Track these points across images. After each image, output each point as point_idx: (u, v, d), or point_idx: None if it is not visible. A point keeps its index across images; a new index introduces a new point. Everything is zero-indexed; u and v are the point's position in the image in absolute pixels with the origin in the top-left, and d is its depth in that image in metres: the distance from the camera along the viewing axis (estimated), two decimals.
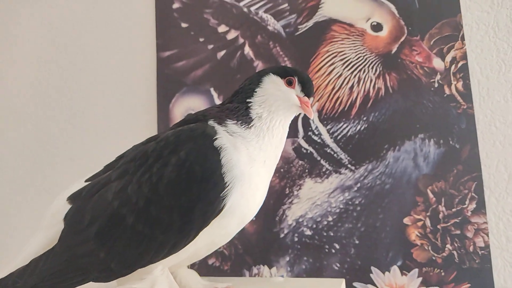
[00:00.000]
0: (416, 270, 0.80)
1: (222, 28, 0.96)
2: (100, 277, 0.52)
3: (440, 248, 0.80)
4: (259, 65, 0.93)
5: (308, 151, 0.88)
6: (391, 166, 0.84)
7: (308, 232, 0.86)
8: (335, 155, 0.87)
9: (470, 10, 0.85)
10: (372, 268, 0.82)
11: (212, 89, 0.95)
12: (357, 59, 0.89)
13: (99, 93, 1.05)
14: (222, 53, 0.95)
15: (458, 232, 0.79)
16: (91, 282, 0.53)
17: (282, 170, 0.88)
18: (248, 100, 0.59)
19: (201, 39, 0.97)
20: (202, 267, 0.88)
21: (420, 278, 0.80)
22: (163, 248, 0.51)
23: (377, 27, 0.89)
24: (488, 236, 0.78)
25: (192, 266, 0.88)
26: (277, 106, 0.58)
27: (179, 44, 0.98)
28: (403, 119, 0.85)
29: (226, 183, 0.51)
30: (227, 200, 0.51)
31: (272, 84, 0.60)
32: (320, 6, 0.92)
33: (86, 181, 0.60)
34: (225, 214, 0.52)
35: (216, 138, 0.53)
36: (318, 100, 0.89)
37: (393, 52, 0.87)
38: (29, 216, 1.03)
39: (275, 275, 0.85)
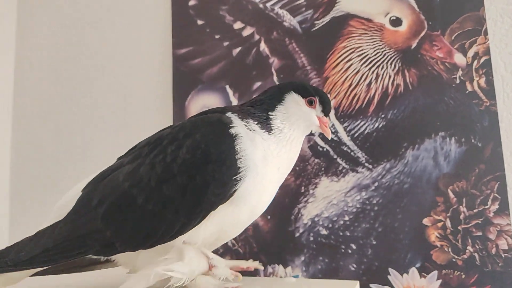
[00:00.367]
0: (436, 272, 0.78)
1: (237, 25, 0.95)
2: (101, 252, 0.53)
3: (461, 250, 0.77)
4: (274, 61, 0.92)
5: (324, 149, 0.86)
6: (410, 165, 0.82)
7: (324, 232, 0.84)
8: (352, 153, 0.85)
9: (494, 3, 0.82)
10: (390, 269, 0.80)
11: (227, 87, 0.94)
12: (375, 55, 0.86)
13: (115, 90, 1.05)
14: (238, 50, 0.94)
15: (479, 233, 0.76)
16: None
17: (297, 168, 0.87)
18: (270, 113, 0.60)
19: (217, 36, 0.96)
20: None
21: (440, 281, 0.77)
22: (171, 229, 0.51)
23: (396, 22, 0.86)
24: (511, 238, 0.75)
25: None
26: (298, 124, 0.60)
27: (194, 41, 0.98)
28: (423, 117, 0.82)
29: (239, 168, 0.52)
30: (239, 186, 0.52)
31: (294, 103, 0.61)
32: (337, 1, 0.90)
33: None
34: (235, 201, 0.53)
35: (232, 126, 0.54)
36: (334, 97, 0.87)
37: (413, 47, 0.85)
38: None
39: (290, 275, 0.84)
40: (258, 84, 0.92)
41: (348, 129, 0.86)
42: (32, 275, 0.60)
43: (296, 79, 0.90)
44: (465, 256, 0.77)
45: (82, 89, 1.08)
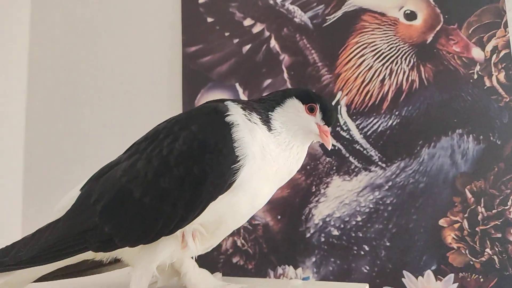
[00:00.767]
0: (452, 275, 0.75)
1: (247, 22, 0.94)
2: (101, 247, 0.53)
3: (478, 252, 0.74)
4: (285, 58, 0.90)
5: (336, 148, 0.84)
6: (426, 164, 0.79)
7: (336, 232, 0.82)
8: (364, 151, 0.83)
9: None
10: (404, 272, 0.77)
11: (237, 84, 0.93)
12: (389, 50, 0.84)
13: (126, 89, 1.05)
14: (248, 47, 0.93)
15: (499, 235, 0.73)
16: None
17: (308, 167, 0.85)
18: (269, 113, 0.58)
19: (227, 34, 0.95)
20: (227, 266, 0.86)
21: (456, 284, 0.74)
22: (169, 222, 0.50)
23: (410, 16, 0.83)
24: None
25: (216, 265, 0.86)
26: (295, 131, 0.57)
27: (204, 39, 0.96)
28: (439, 113, 0.79)
29: (238, 157, 0.50)
30: (238, 175, 0.50)
31: (293, 109, 0.59)
32: None
33: None
34: (235, 191, 0.51)
35: (228, 114, 0.53)
36: (347, 94, 0.85)
37: (428, 42, 0.82)
38: None
39: (300, 276, 0.82)
40: (268, 81, 0.90)
41: (360, 126, 0.83)
42: (36, 281, 0.59)
43: (307, 76, 0.88)
44: (483, 259, 0.74)
45: (93, 88, 1.08)
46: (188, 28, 0.99)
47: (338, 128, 0.84)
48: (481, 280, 0.73)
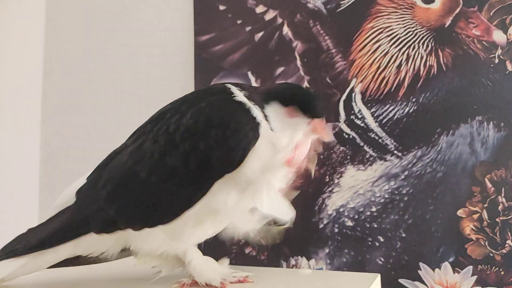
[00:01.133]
0: (471, 267, 0.72)
1: (260, 9, 0.92)
2: (103, 228, 0.52)
3: (499, 244, 0.71)
4: (298, 45, 0.88)
5: (350, 136, 0.82)
6: (444, 152, 0.76)
7: (350, 223, 0.80)
8: (380, 140, 0.80)
9: None
10: (421, 264, 0.75)
11: (249, 73, 0.91)
12: (405, 34, 0.81)
13: (138, 79, 1.05)
14: (260, 34, 0.91)
15: None
16: None
17: (321, 156, 0.83)
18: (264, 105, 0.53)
19: (239, 21, 0.93)
20: (239, 257, 0.86)
21: (475, 277, 0.71)
22: (175, 202, 0.49)
23: None
24: None
25: (229, 256, 0.86)
26: (288, 134, 0.52)
27: (216, 28, 0.95)
28: (458, 100, 0.76)
29: (247, 135, 0.48)
30: (246, 154, 0.48)
31: (275, 113, 0.53)
32: None
33: None
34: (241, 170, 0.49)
35: (236, 96, 0.51)
36: (361, 81, 0.82)
37: (446, 25, 0.78)
38: None
39: (313, 268, 0.81)
40: (280, 69, 0.88)
41: (376, 114, 0.81)
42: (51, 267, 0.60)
43: (320, 63, 0.85)
44: (504, 251, 0.71)
45: (106, 79, 1.08)
46: (200, 16, 0.97)
47: (352, 116, 0.82)
48: (502, 273, 0.70)
